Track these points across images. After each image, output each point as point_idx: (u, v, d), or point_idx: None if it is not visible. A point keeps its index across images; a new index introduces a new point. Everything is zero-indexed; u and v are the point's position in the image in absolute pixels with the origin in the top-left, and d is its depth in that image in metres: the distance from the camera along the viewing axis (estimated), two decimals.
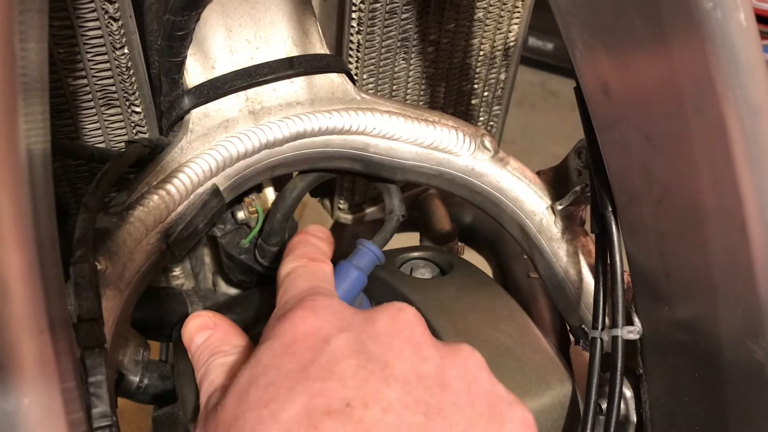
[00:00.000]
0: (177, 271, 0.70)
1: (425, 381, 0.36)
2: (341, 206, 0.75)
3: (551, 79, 2.91)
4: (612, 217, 0.48)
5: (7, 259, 0.25)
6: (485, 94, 0.74)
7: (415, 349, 0.37)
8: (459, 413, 0.35)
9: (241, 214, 0.62)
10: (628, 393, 0.52)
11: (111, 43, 0.50)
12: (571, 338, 0.64)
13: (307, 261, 0.46)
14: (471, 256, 0.83)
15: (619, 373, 0.47)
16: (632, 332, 0.47)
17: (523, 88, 2.86)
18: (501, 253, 0.86)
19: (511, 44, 0.70)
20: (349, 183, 0.72)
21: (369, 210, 0.76)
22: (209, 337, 0.45)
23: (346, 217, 0.75)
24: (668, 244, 0.44)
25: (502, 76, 0.74)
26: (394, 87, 0.65)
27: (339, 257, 0.53)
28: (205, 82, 0.52)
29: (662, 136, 0.40)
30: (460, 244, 0.85)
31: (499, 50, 0.70)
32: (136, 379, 0.54)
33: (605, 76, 0.43)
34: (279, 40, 0.54)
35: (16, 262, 0.25)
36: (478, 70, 0.71)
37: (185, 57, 0.51)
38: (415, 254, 0.61)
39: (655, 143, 0.41)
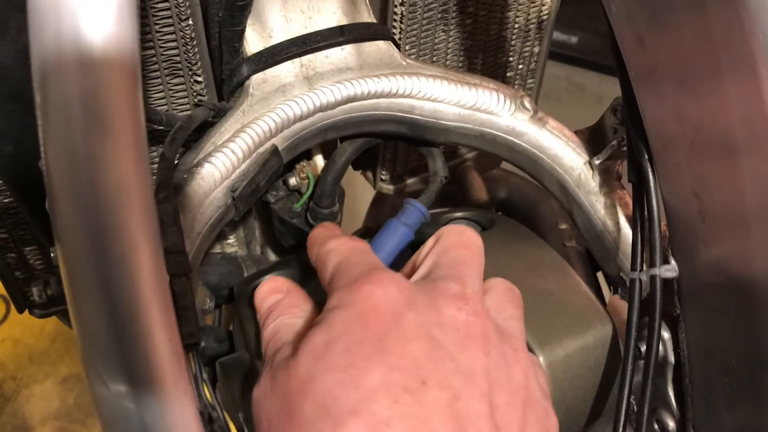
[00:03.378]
0: (231, 239, 0.74)
1: (487, 376, 0.38)
2: (383, 177, 0.78)
3: (576, 72, 2.93)
4: (648, 165, 0.51)
5: (131, 170, 0.29)
6: (520, 66, 0.77)
7: (478, 344, 0.39)
8: (513, 413, 0.38)
9: (292, 181, 0.66)
10: (666, 335, 0.55)
11: (177, 15, 0.54)
12: (606, 298, 0.67)
13: (345, 239, 0.47)
14: None
15: (658, 310, 0.50)
16: (670, 270, 0.50)
17: (548, 81, 2.87)
18: (537, 223, 0.89)
19: (545, 17, 0.74)
20: (391, 154, 0.76)
21: (410, 181, 0.79)
22: (280, 300, 0.47)
23: (388, 188, 0.79)
24: (702, 184, 0.47)
25: (536, 49, 0.77)
26: (435, 57, 0.69)
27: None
28: (263, 50, 0.56)
29: (694, 78, 0.43)
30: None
31: (533, 23, 0.73)
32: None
33: (640, 28, 0.46)
34: (330, 10, 0.58)
35: (138, 171, 0.29)
36: (513, 42, 0.74)
37: (245, 26, 0.55)
38: (459, 214, 0.65)
39: (688, 86, 0.44)
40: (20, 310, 0.68)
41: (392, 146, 0.75)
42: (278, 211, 0.67)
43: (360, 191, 1.14)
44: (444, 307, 0.40)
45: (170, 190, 0.43)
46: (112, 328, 0.30)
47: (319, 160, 0.67)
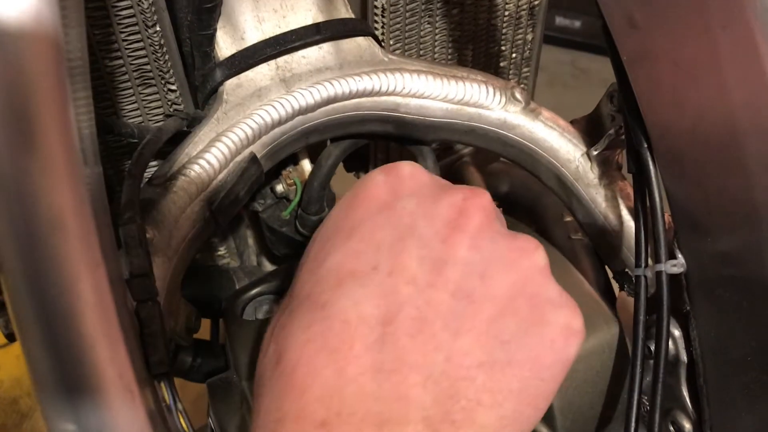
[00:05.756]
0: (222, 251, 0.71)
1: (465, 267, 0.34)
2: None
3: (581, 57, 2.88)
4: (648, 154, 0.47)
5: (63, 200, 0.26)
6: (513, 55, 0.74)
7: (466, 236, 0.35)
8: (489, 303, 0.34)
9: (279, 188, 0.63)
10: (676, 332, 0.52)
11: (143, 21, 0.51)
12: (616, 292, 0.64)
13: None
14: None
15: (665, 307, 0.47)
16: (676, 266, 0.47)
17: (553, 67, 2.84)
18: (541, 217, 0.86)
19: (536, 2, 0.70)
20: (383, 154, 0.73)
21: None
22: None
23: None
24: (706, 172, 0.44)
25: (529, 37, 0.74)
26: (421, 51, 0.66)
27: None
28: (236, 53, 0.53)
29: (691, 60, 0.40)
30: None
31: (524, 9, 0.70)
32: (189, 358, 0.55)
33: (630, 8, 0.43)
34: (304, 8, 0.55)
35: (71, 200, 0.26)
36: (504, 30, 0.71)
37: (215, 30, 0.52)
38: None
39: (685, 69, 0.41)
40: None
41: (384, 146, 0.72)
42: (267, 220, 0.64)
43: None
44: (447, 197, 0.37)
45: (135, 210, 0.41)
46: (57, 368, 0.28)
47: (306, 165, 0.64)
